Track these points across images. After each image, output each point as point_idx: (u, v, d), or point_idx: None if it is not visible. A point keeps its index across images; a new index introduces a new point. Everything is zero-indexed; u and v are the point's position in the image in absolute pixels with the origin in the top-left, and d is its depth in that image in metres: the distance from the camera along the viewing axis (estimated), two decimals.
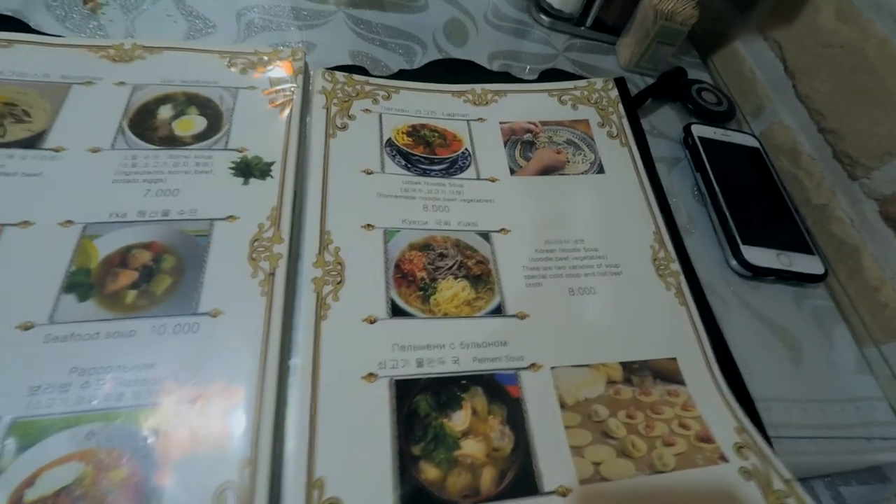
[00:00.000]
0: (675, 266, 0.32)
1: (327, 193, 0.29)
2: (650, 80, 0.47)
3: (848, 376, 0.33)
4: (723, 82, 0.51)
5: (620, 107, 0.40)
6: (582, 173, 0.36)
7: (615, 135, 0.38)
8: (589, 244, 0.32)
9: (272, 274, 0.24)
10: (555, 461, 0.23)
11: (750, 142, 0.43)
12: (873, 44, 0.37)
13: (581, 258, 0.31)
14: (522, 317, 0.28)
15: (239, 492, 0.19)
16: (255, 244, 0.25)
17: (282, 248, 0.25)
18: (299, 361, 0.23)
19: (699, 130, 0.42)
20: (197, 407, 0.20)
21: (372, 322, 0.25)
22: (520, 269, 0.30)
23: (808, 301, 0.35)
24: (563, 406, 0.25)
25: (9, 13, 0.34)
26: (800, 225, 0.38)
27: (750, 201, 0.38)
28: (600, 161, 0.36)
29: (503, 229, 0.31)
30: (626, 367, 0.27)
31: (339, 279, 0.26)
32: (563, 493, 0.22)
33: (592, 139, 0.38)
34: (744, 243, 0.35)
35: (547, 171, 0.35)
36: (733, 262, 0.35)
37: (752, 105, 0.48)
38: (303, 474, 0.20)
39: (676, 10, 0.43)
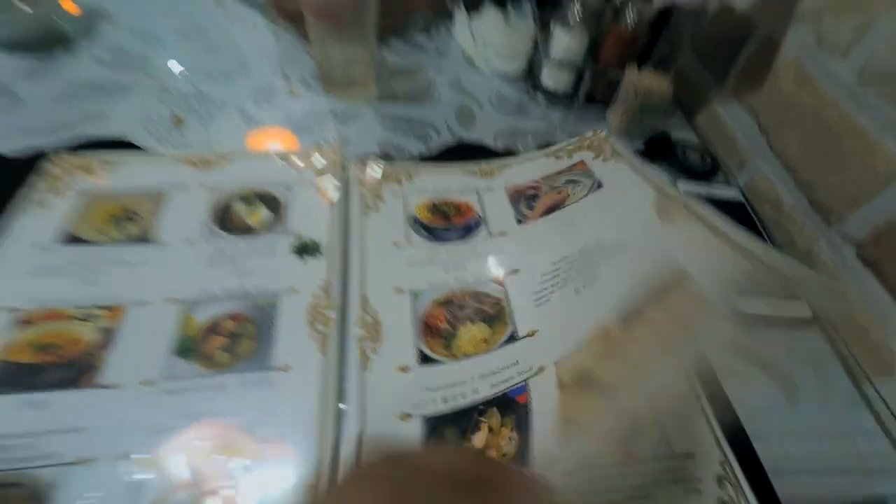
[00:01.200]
0: None
1: (366, 265, 0.35)
2: (640, 144, 0.53)
3: (844, 411, 0.35)
4: (707, 140, 0.57)
5: (612, 140, 0.46)
6: (581, 198, 0.41)
7: (609, 157, 0.44)
8: (592, 243, 0.36)
9: (326, 335, 0.30)
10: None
11: (733, 195, 0.48)
12: (830, 107, 0.42)
13: (587, 260, 0.35)
14: (532, 334, 0.32)
15: None
16: (312, 311, 0.31)
17: (333, 313, 0.31)
18: (348, 407, 0.28)
19: (685, 186, 0.47)
20: (270, 446, 0.26)
21: (405, 370, 0.31)
22: (530, 296, 0.35)
23: (801, 343, 0.38)
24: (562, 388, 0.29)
25: (120, 137, 0.44)
26: None
27: None
28: (598, 181, 0.42)
29: (515, 270, 0.37)
30: None
31: (377, 336, 0.32)
32: None
33: (591, 171, 0.43)
34: None
35: (550, 210, 0.41)
36: None
37: (735, 160, 0.53)
38: None
39: (653, 88, 0.50)
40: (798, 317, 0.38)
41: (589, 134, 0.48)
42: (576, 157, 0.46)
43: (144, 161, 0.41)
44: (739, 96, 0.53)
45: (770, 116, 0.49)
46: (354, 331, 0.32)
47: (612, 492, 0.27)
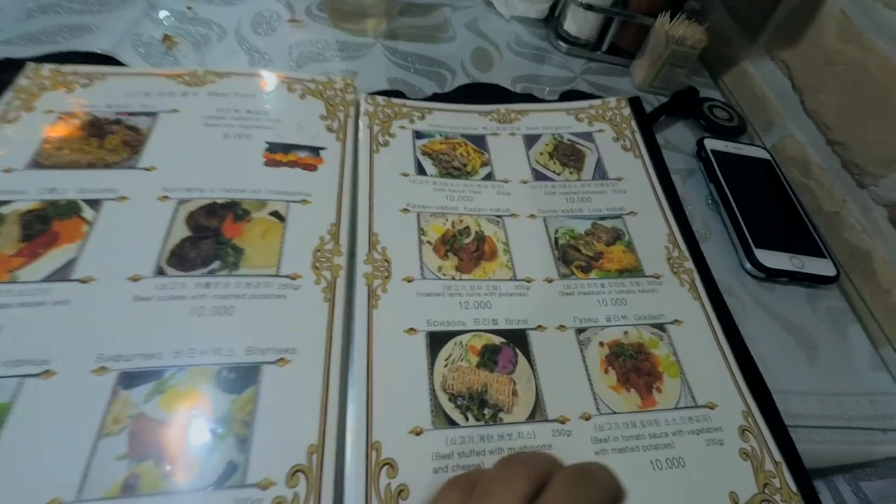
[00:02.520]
0: (689, 265, 0.34)
1: (374, 202, 0.33)
2: (664, 99, 0.50)
3: (863, 372, 0.34)
4: (734, 100, 0.54)
5: (633, 122, 0.43)
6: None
7: (629, 147, 0.42)
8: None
9: (335, 279, 0.28)
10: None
11: (761, 154, 0.45)
12: (875, 61, 0.39)
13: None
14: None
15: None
16: (318, 254, 0.29)
17: (341, 261, 0.29)
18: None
19: (712, 144, 0.45)
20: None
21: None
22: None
23: (822, 302, 0.37)
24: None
25: (103, 52, 0.40)
26: (811, 230, 0.40)
27: (762, 208, 0.40)
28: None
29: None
30: None
31: (386, 274, 0.30)
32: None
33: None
34: (757, 246, 0.37)
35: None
36: (747, 265, 0.37)
37: (762, 120, 0.50)
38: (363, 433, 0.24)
39: (686, 35, 0.46)
40: (820, 274, 0.36)
41: (612, 103, 0.45)
42: (596, 126, 0.43)
43: (132, 77, 0.37)
44: (773, 53, 0.50)
45: (807, 74, 0.46)
46: (363, 269, 0.29)
47: (630, 439, 0.25)
